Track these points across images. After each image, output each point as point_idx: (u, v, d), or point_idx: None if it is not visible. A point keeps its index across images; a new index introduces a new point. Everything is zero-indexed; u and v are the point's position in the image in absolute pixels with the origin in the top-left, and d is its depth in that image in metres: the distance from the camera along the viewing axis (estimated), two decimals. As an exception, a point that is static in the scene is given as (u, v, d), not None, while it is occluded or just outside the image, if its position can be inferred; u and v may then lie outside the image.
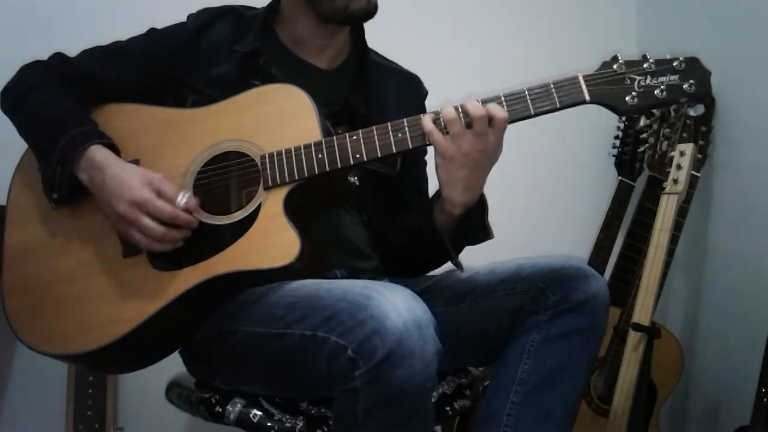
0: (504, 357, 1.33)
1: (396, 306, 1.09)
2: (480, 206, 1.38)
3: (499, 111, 1.26)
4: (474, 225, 1.40)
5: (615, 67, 1.27)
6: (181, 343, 1.42)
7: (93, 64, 1.47)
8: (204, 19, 1.51)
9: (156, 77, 1.48)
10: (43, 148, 1.36)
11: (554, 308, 1.30)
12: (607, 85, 1.27)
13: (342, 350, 1.10)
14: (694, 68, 1.27)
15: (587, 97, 1.26)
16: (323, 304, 1.16)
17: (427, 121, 1.28)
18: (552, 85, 1.27)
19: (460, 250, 1.44)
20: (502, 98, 1.28)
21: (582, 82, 1.27)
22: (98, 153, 1.33)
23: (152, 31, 1.52)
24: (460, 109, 1.27)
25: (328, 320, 1.14)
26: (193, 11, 1.53)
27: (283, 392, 1.32)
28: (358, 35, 1.58)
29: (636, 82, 1.26)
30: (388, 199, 1.55)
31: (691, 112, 2.01)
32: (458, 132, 1.27)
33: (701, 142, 2.07)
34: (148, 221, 1.27)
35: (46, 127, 1.37)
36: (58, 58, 1.49)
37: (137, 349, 1.34)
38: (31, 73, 1.45)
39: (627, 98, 1.26)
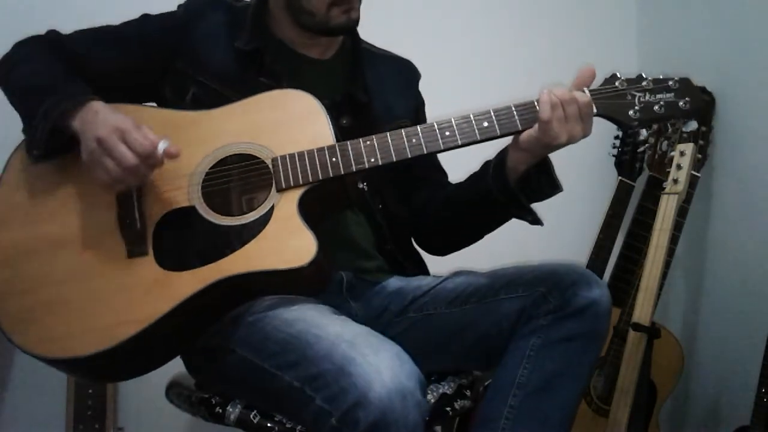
0: (504, 361, 1.33)
1: (380, 373, 1.08)
2: (544, 163, 1.39)
3: (582, 96, 1.29)
4: (542, 181, 1.40)
5: (617, 83, 1.33)
6: (185, 347, 1.41)
7: (87, 45, 1.45)
8: (196, 8, 1.49)
9: (151, 65, 1.46)
10: (35, 106, 1.32)
11: (555, 313, 1.30)
12: (612, 100, 1.32)
13: (327, 416, 1.10)
14: (686, 87, 1.33)
15: (595, 110, 1.31)
16: (311, 356, 1.15)
17: (546, 109, 1.28)
18: None
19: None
20: (513, 108, 1.31)
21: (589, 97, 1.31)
22: (100, 105, 1.30)
23: (146, 17, 1.50)
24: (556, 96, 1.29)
25: (315, 378, 1.13)
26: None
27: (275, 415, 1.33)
28: None
29: (637, 98, 1.32)
30: (403, 180, 1.57)
31: (685, 128, 2.04)
32: (561, 117, 1.29)
33: (701, 142, 2.07)
34: (123, 148, 1.25)
35: (39, 90, 1.34)
36: (54, 34, 1.46)
37: (142, 352, 1.31)
38: (24, 47, 1.43)
39: (630, 112, 1.32)
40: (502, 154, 1.40)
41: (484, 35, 2.39)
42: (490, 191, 1.40)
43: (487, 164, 1.44)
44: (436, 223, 1.57)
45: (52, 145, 1.32)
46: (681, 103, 1.31)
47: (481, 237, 1.54)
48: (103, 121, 1.27)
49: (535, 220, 1.42)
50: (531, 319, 1.31)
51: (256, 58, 1.46)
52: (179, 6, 1.52)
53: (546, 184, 1.40)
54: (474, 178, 1.48)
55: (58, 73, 1.38)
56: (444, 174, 1.66)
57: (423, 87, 1.69)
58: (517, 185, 1.38)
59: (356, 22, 1.48)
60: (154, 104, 1.50)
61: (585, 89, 1.31)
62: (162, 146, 1.26)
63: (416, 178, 1.60)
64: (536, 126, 1.30)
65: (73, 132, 1.30)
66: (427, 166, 1.63)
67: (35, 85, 1.36)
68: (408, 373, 1.11)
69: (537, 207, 1.43)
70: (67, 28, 1.46)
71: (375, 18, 1.51)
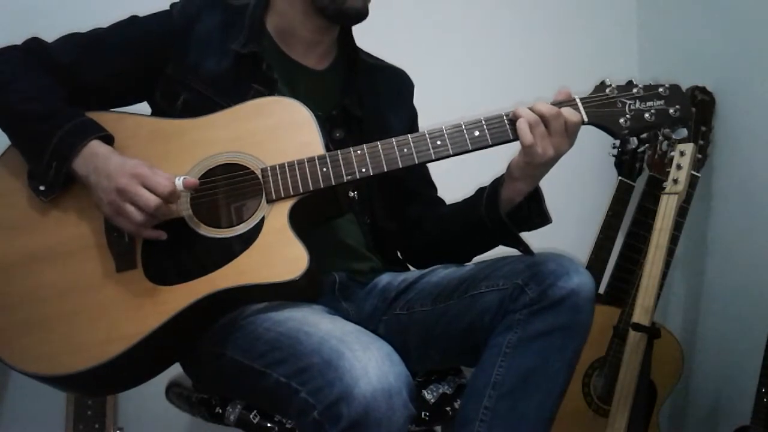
0: (481, 359, 1.28)
1: (367, 371, 1.07)
2: (535, 194, 1.38)
3: (572, 114, 1.28)
4: (532, 212, 1.39)
5: (607, 91, 1.31)
6: (178, 358, 1.41)
7: (73, 56, 1.40)
8: (191, 10, 1.46)
9: (140, 70, 1.43)
10: (33, 146, 1.31)
11: (531, 306, 1.24)
12: (603, 108, 1.31)
13: (310, 409, 1.09)
14: (677, 94, 1.31)
15: (585, 119, 1.30)
16: (300, 352, 1.15)
17: (524, 126, 1.27)
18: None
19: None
20: (504, 117, 1.30)
21: (580, 105, 1.30)
22: (100, 148, 1.29)
23: (135, 20, 1.46)
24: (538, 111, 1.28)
25: (302, 372, 1.13)
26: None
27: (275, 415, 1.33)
28: (346, 35, 1.57)
29: (627, 106, 1.30)
30: (394, 197, 1.55)
31: (675, 136, 2.04)
32: (544, 133, 1.27)
33: (701, 142, 2.07)
34: (146, 192, 1.24)
35: (34, 124, 1.31)
36: (35, 44, 1.42)
37: (134, 367, 1.29)
38: (7, 62, 1.37)
39: (621, 120, 1.30)
40: (497, 184, 1.38)
41: (483, 38, 2.39)
42: (483, 220, 1.38)
43: (481, 191, 1.42)
44: (427, 241, 1.55)
45: (63, 184, 1.31)
46: (671, 111, 1.30)
47: (470, 259, 1.51)
48: (118, 168, 1.26)
49: (526, 250, 1.38)
50: (508, 314, 1.26)
51: (252, 62, 1.43)
52: (172, 5, 1.48)
53: (536, 213, 1.38)
54: (467, 204, 1.46)
55: (53, 100, 1.34)
56: (434, 188, 1.65)
57: (421, 91, 1.69)
58: (508, 216, 1.36)
59: (367, 12, 1.46)
60: (145, 103, 1.48)
61: (578, 102, 1.30)
62: (179, 182, 1.26)
63: (408, 193, 1.58)
64: (521, 152, 1.29)
65: (77, 176, 1.29)
66: (419, 180, 1.61)
67: (29, 116, 1.32)
68: (397, 373, 1.09)
69: (546, 204, 1.41)
70: (62, 25, 1.45)
71: (372, 21, 1.50)
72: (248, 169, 1.31)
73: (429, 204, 1.60)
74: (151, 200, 1.24)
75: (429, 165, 1.61)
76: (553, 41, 2.44)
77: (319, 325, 1.19)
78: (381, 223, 1.53)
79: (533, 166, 1.30)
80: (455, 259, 1.48)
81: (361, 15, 1.46)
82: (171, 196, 1.25)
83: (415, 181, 1.60)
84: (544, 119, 1.27)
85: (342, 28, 1.54)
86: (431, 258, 1.53)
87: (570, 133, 1.28)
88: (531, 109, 1.28)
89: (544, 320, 1.24)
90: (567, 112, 1.28)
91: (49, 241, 1.31)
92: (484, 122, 1.30)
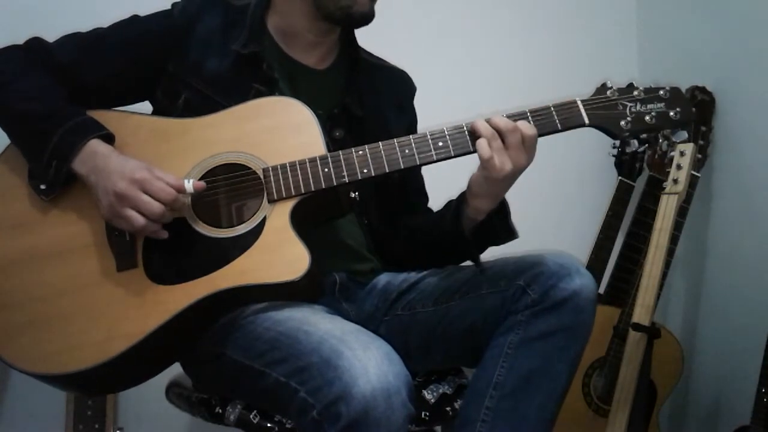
0: (483, 360, 1.29)
1: (366, 370, 1.07)
2: (502, 209, 1.38)
3: (528, 128, 1.28)
4: (498, 228, 1.39)
5: (608, 93, 1.32)
6: (178, 358, 1.41)
7: (74, 55, 1.41)
8: (192, 10, 1.46)
9: (141, 70, 1.43)
10: (33, 145, 1.32)
11: (533, 307, 1.25)
12: (603, 110, 1.31)
13: (310, 409, 1.10)
14: (677, 97, 1.32)
15: (586, 121, 1.31)
16: (299, 351, 1.15)
17: (482, 140, 1.27)
18: (552, 108, 1.31)
19: (483, 251, 1.43)
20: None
21: (581, 106, 1.31)
22: (100, 146, 1.29)
23: (135, 19, 1.47)
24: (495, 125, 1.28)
25: (301, 371, 1.13)
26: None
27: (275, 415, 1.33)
28: (348, 34, 1.57)
29: (628, 108, 1.31)
30: (390, 202, 1.55)
31: (675, 138, 2.04)
32: (501, 147, 1.27)
33: (701, 142, 2.07)
34: (147, 198, 1.24)
35: (34, 124, 1.31)
36: (36, 43, 1.42)
37: (134, 367, 1.29)
38: (8, 62, 1.38)
39: (622, 122, 1.31)
40: (462, 198, 1.38)
41: (483, 38, 2.39)
42: (449, 236, 1.39)
43: (448, 206, 1.43)
44: (405, 250, 1.55)
45: (64, 183, 1.31)
46: (672, 113, 1.30)
47: (448, 263, 1.50)
48: (117, 171, 1.26)
49: (481, 268, 1.37)
50: (510, 315, 1.27)
51: (253, 62, 1.43)
52: (173, 5, 1.48)
53: (501, 229, 1.38)
54: (437, 218, 1.46)
55: (54, 100, 1.34)
56: (426, 198, 1.65)
57: (421, 91, 1.69)
58: (471, 232, 1.37)
59: (373, 15, 1.46)
60: (147, 102, 1.48)
61: (579, 104, 1.30)
62: (189, 186, 1.26)
63: (404, 204, 1.58)
64: (479, 166, 1.29)
65: (78, 174, 1.29)
66: (414, 191, 1.62)
67: (30, 116, 1.32)
68: (396, 373, 1.10)
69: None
70: (63, 25, 1.45)
71: (373, 21, 1.50)
72: (249, 169, 1.31)
73: (414, 214, 1.59)
74: (156, 207, 1.24)
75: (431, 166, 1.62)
76: (553, 41, 2.44)
77: (318, 324, 1.19)
78: (375, 226, 1.54)
79: (492, 180, 1.29)
80: (433, 265, 1.48)
81: (368, 18, 1.46)
82: (173, 203, 1.26)
83: (411, 192, 1.60)
84: (500, 133, 1.27)
85: (344, 28, 1.54)
86: (410, 266, 1.52)
87: (527, 147, 1.28)
88: (488, 122, 1.28)
89: (546, 321, 1.25)
90: (523, 125, 1.27)
91: (50, 239, 1.31)
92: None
